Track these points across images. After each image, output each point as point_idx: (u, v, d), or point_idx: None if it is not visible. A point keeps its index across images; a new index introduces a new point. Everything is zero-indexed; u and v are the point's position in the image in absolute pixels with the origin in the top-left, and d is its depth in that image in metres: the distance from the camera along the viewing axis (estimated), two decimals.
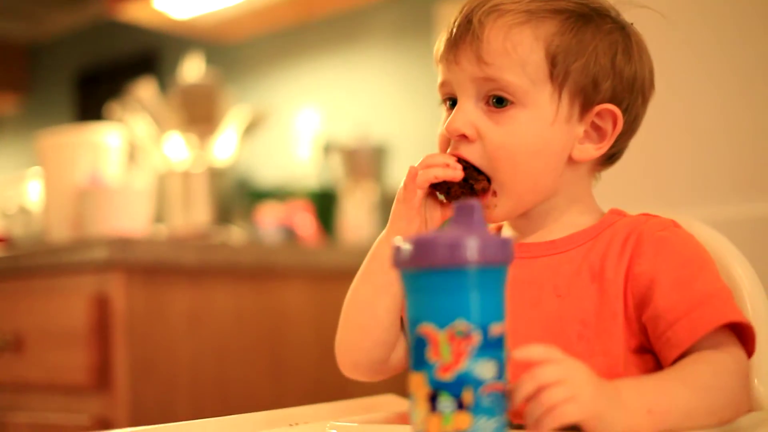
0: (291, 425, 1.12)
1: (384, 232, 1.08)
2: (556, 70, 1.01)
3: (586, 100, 1.03)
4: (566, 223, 1.07)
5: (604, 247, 1.02)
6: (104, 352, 1.94)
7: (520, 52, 1.01)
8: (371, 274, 1.08)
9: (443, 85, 1.07)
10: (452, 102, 1.06)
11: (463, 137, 1.03)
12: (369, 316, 1.07)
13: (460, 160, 1.03)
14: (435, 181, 1.03)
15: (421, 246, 0.77)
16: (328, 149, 2.97)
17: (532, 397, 0.82)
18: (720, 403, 0.91)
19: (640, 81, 1.06)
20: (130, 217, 2.20)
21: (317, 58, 3.24)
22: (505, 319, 0.80)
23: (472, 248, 0.76)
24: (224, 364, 2.07)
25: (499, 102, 1.02)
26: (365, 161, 2.82)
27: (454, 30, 1.04)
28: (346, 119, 3.08)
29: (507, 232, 1.11)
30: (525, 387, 0.82)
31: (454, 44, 1.04)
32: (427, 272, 0.77)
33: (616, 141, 1.05)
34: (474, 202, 0.80)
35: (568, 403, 0.81)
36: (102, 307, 1.94)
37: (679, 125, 1.61)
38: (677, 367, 0.93)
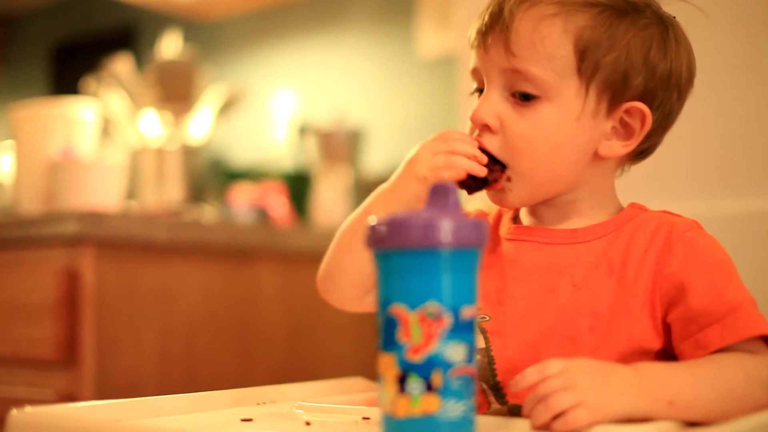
0: (258, 404, 1.12)
1: (388, 188, 1.08)
2: (585, 64, 1.00)
3: (614, 96, 1.01)
4: (587, 215, 1.06)
5: (626, 241, 1.02)
6: (72, 326, 1.92)
7: (547, 45, 1.00)
8: (360, 224, 1.07)
9: (474, 71, 1.07)
10: (481, 90, 1.06)
11: (486, 127, 1.03)
12: (348, 257, 1.09)
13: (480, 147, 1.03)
14: (462, 177, 1.02)
15: (395, 226, 0.77)
16: (303, 131, 2.97)
17: (538, 401, 0.85)
18: (740, 408, 0.92)
19: (676, 76, 1.04)
20: (102, 192, 2.18)
21: (296, 39, 3.23)
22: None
23: (445, 230, 0.76)
24: (192, 343, 2.07)
25: (525, 97, 1.01)
26: (341, 145, 2.81)
27: (486, 18, 1.04)
28: (322, 102, 3.07)
29: (525, 219, 1.11)
30: (530, 401, 0.86)
31: (486, 33, 1.03)
32: (399, 253, 0.77)
33: (648, 137, 1.05)
34: (449, 183, 0.80)
35: (577, 408, 0.84)
36: (71, 282, 1.93)
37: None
38: (710, 364, 0.94)
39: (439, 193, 0.80)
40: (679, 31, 1.06)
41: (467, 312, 0.77)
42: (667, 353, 1.00)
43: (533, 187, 1.04)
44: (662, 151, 1.67)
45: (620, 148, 1.03)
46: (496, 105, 1.03)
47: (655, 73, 1.02)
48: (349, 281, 1.10)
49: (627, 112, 1.02)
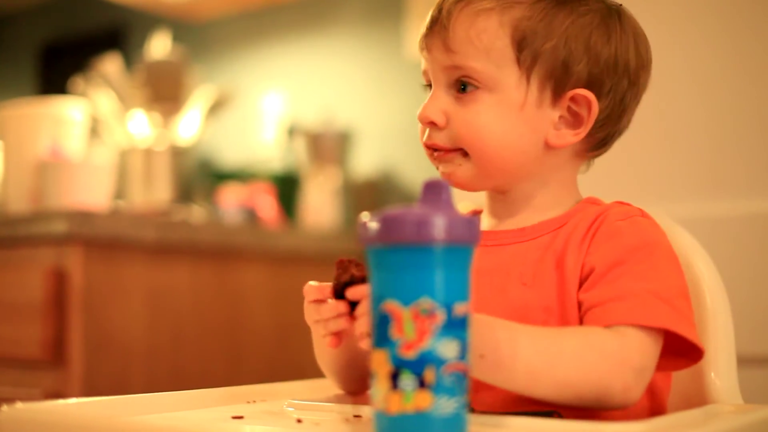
0: (249, 402, 1.12)
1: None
2: (523, 54, 1.01)
3: (557, 84, 1.02)
4: (541, 210, 1.06)
5: (568, 234, 1.02)
6: (60, 326, 1.92)
7: (484, 39, 1.01)
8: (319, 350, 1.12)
9: (424, 73, 1.08)
10: (431, 86, 1.07)
11: (433, 124, 1.04)
12: (328, 357, 1.11)
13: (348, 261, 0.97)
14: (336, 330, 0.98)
15: (388, 222, 0.77)
16: (292, 133, 2.97)
17: None
18: (568, 375, 0.90)
19: (624, 62, 1.04)
20: (91, 192, 2.18)
21: (285, 41, 3.23)
22: (471, 303, 0.80)
23: (438, 226, 0.76)
24: (180, 343, 2.06)
25: (465, 88, 1.02)
26: (329, 146, 2.82)
27: (427, 21, 1.06)
28: (311, 103, 3.08)
29: (485, 220, 1.11)
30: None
31: (427, 34, 1.06)
32: (393, 249, 0.77)
33: (602, 125, 1.04)
34: (442, 180, 0.80)
35: None
36: (59, 281, 1.93)
37: (654, 123, 1.62)
38: (555, 331, 0.93)
39: (431, 190, 0.80)
40: (625, 18, 1.06)
41: (460, 308, 0.77)
42: None
43: (482, 170, 1.03)
44: (655, 153, 1.68)
45: (570, 137, 1.03)
46: (442, 102, 1.04)
47: (598, 59, 1.02)
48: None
49: (573, 100, 1.02)
